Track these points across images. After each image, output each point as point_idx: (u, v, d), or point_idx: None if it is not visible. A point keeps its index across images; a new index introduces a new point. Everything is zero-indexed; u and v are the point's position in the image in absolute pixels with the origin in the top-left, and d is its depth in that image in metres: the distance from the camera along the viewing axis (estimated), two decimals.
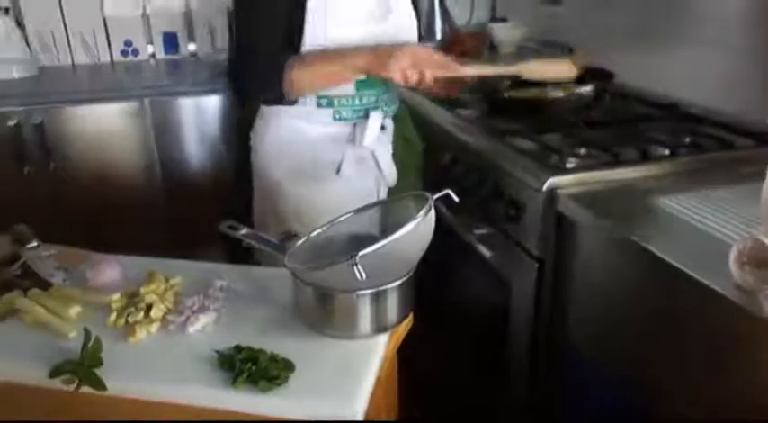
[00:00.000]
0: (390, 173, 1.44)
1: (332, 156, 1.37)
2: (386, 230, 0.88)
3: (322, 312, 0.92)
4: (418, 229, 0.87)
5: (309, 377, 0.85)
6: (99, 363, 0.87)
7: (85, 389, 0.84)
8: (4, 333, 0.96)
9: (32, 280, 1.06)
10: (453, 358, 1.70)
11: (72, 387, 0.84)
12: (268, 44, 1.28)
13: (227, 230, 1.07)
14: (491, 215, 1.38)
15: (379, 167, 1.42)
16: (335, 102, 1.34)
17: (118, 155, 2.05)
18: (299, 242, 0.99)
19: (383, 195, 1.46)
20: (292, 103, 1.32)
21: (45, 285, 1.04)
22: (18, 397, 0.86)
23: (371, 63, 1.22)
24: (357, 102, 1.35)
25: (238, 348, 0.88)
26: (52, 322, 0.96)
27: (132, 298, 0.99)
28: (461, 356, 1.65)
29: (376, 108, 1.37)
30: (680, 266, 0.93)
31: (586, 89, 1.53)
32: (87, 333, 0.88)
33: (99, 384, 0.84)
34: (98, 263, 1.07)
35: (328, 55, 1.27)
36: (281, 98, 1.28)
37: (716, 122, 1.46)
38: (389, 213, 1.06)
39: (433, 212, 0.92)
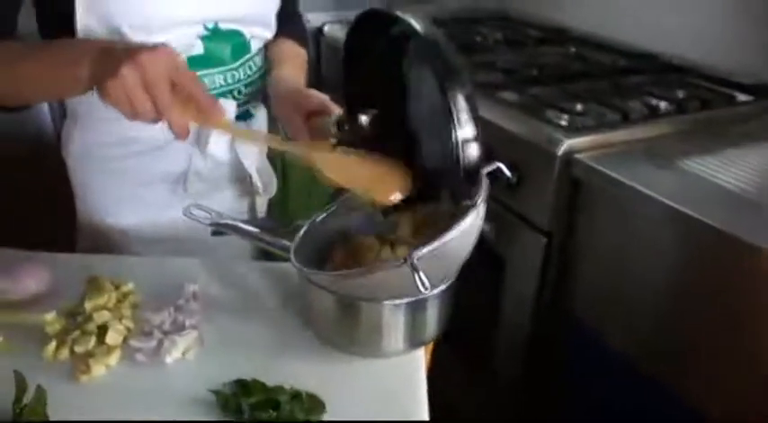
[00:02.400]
0: (267, 180, 1.01)
1: (170, 168, 0.95)
2: None
3: (350, 326, 0.70)
4: (474, 219, 0.67)
5: (348, 413, 0.64)
6: (44, 420, 0.61)
7: None
8: None
9: None
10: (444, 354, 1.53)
11: None
12: None
13: (192, 215, 0.82)
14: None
15: (248, 176, 0.98)
16: None
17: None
18: (302, 231, 0.76)
19: (261, 209, 1.04)
20: (9, 109, 0.88)
21: None
22: None
23: (97, 74, 0.67)
24: None
25: (243, 385, 0.65)
26: None
27: (74, 316, 0.72)
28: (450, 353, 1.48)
29: (226, 93, 0.93)
30: (738, 235, 0.83)
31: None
32: (20, 378, 0.62)
33: None
34: (15, 267, 0.77)
35: (35, 50, 0.78)
36: None
37: (705, 75, 1.36)
38: None
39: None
